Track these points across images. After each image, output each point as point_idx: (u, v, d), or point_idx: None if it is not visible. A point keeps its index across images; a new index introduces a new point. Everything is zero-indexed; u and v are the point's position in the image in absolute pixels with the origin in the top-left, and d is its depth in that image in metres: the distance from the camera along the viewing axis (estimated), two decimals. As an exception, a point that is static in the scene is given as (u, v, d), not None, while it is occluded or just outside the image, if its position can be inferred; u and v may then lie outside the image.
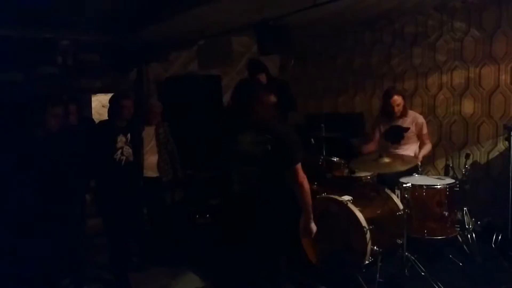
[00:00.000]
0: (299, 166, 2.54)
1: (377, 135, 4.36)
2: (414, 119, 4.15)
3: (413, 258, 3.32)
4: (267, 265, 2.62)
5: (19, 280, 3.34)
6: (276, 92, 4.40)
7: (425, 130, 4.15)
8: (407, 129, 4.14)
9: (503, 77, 4.28)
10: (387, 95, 4.13)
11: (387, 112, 4.16)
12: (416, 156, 4.05)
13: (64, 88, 5.11)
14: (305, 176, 2.57)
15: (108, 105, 3.79)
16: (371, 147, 4.34)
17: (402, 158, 3.80)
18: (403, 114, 4.13)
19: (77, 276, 3.79)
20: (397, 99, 4.08)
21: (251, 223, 2.58)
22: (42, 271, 3.45)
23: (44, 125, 3.31)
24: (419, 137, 4.16)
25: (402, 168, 3.60)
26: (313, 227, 2.69)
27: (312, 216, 2.67)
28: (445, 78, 4.75)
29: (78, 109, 4.07)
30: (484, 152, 4.48)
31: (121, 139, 3.72)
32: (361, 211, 3.28)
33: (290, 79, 5.66)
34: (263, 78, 4.56)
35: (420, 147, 4.20)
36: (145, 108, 4.23)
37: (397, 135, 4.17)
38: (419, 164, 4.14)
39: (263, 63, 4.66)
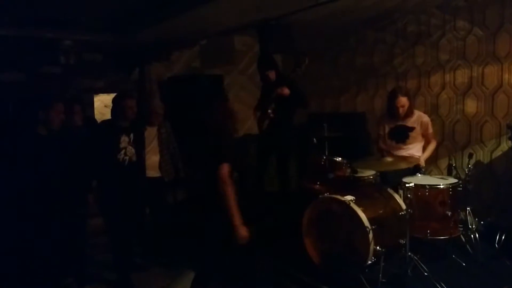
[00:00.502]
0: (222, 168, 2.56)
1: (382, 133, 4.37)
2: (419, 118, 4.14)
3: (416, 258, 3.30)
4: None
5: (23, 279, 3.35)
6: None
7: (430, 129, 4.13)
8: (412, 128, 4.12)
9: (506, 76, 4.26)
10: (393, 96, 4.10)
11: (392, 112, 4.15)
12: (419, 158, 4.04)
13: (66, 88, 5.12)
14: (227, 181, 2.57)
15: (111, 105, 3.79)
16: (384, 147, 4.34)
17: (405, 159, 3.79)
18: (408, 114, 4.11)
19: (79, 276, 3.79)
20: (402, 100, 4.05)
21: (200, 220, 2.69)
22: (45, 270, 3.46)
23: (47, 122, 3.30)
24: (424, 136, 4.15)
25: (404, 166, 3.59)
26: (242, 232, 2.60)
27: (238, 221, 2.59)
28: (448, 77, 4.73)
29: (82, 109, 4.07)
30: (487, 152, 4.46)
31: (124, 139, 3.72)
32: (363, 211, 3.27)
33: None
34: (272, 74, 4.58)
35: (425, 146, 4.18)
36: (147, 108, 4.23)
37: (402, 135, 4.16)
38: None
39: (274, 59, 4.68)
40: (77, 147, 3.58)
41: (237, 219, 2.59)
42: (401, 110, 4.07)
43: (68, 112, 3.64)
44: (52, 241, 3.39)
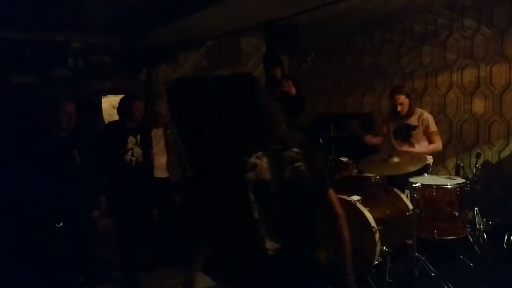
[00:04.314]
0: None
1: (385, 131, 4.38)
2: (420, 116, 4.13)
3: (423, 258, 3.30)
4: None
5: (34, 278, 3.39)
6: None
7: (432, 128, 4.06)
8: (415, 127, 4.12)
9: (514, 75, 4.23)
10: (392, 95, 4.14)
11: (394, 111, 4.16)
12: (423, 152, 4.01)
13: (75, 90, 5.18)
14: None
15: (119, 106, 3.83)
16: (376, 140, 4.37)
17: (412, 156, 3.76)
18: (409, 113, 4.10)
19: (90, 275, 3.83)
20: (400, 98, 4.06)
21: None
22: (56, 270, 3.50)
23: (58, 123, 3.31)
24: (426, 135, 4.10)
25: (412, 168, 3.56)
26: None
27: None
28: (455, 76, 4.71)
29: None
30: (495, 152, 4.43)
31: (131, 140, 3.76)
32: (370, 211, 3.27)
33: (300, 78, 5.64)
34: (278, 72, 4.58)
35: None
36: (153, 110, 4.26)
37: (406, 133, 4.16)
38: (430, 164, 4.12)
39: (279, 57, 4.68)
40: (86, 148, 3.62)
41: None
42: (399, 108, 4.06)
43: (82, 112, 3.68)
44: (63, 241, 3.42)
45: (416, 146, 4.11)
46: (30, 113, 4.16)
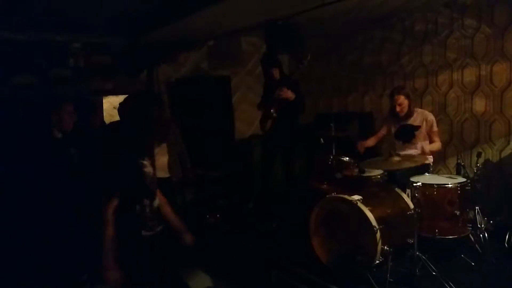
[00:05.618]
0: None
1: (383, 132, 4.38)
2: (424, 117, 4.13)
3: (424, 257, 3.29)
4: None
5: (39, 275, 3.40)
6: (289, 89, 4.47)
7: (435, 128, 4.12)
8: (418, 127, 4.12)
9: (515, 74, 4.22)
10: (391, 96, 4.15)
11: (394, 112, 4.16)
12: (425, 152, 4.01)
13: (76, 90, 5.19)
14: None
15: (120, 107, 3.84)
16: (368, 142, 4.36)
17: (413, 158, 3.78)
18: (409, 113, 4.11)
19: (92, 274, 3.83)
20: (399, 98, 4.06)
21: None
22: (60, 267, 3.51)
23: (60, 124, 3.34)
24: (429, 134, 4.14)
25: (412, 164, 3.58)
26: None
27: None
28: (456, 75, 4.71)
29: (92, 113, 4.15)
30: (496, 151, 4.43)
31: (132, 140, 3.75)
32: (371, 211, 3.27)
33: (300, 78, 5.65)
34: (276, 73, 4.59)
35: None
36: None
37: (408, 134, 4.16)
38: (431, 163, 4.12)
39: (277, 58, 4.68)
40: (88, 148, 3.63)
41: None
42: (398, 108, 4.07)
43: (86, 113, 3.70)
44: (68, 240, 3.43)
45: (419, 146, 4.11)
46: (27, 116, 4.18)
